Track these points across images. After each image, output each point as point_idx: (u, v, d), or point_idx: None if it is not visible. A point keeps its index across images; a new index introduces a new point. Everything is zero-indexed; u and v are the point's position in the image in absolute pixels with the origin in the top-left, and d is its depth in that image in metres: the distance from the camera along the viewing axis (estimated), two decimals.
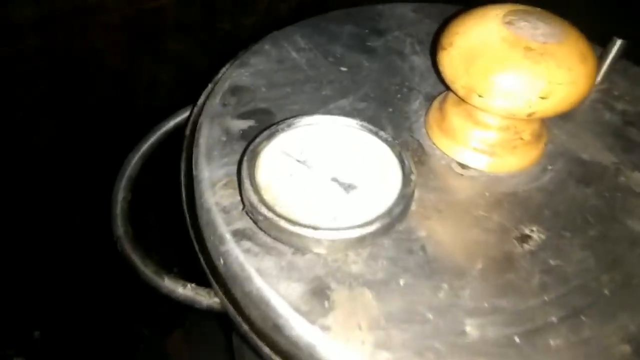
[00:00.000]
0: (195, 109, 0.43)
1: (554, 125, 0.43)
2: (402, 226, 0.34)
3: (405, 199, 0.31)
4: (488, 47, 0.34)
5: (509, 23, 0.35)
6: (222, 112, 0.41)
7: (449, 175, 0.39)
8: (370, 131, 0.35)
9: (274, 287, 0.30)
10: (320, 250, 0.31)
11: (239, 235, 0.33)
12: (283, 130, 0.34)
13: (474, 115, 0.38)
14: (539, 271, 0.33)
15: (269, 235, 0.31)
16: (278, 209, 0.30)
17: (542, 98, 0.34)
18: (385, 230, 0.31)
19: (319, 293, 0.30)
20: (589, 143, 0.42)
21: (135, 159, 0.47)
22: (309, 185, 0.32)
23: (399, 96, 0.45)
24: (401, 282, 0.31)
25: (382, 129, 0.40)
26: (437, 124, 0.40)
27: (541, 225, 0.36)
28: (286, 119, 0.36)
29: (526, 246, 0.34)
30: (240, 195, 0.33)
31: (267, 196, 0.31)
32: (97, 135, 0.98)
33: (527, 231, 0.35)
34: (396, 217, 0.31)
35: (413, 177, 0.32)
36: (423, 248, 0.33)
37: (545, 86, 0.33)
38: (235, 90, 0.43)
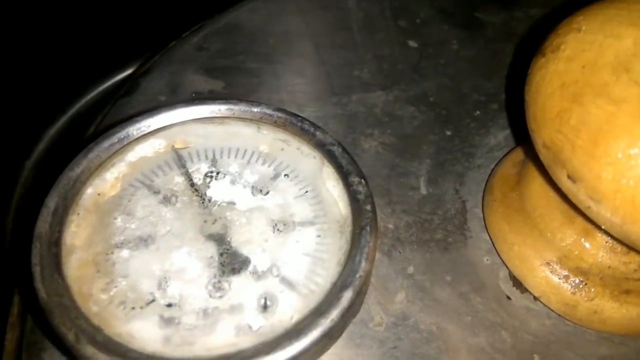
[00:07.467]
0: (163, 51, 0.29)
1: None
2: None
3: (342, 304, 0.15)
4: (622, 77, 0.14)
5: None
6: (190, 58, 0.27)
7: (489, 294, 0.20)
8: (320, 148, 0.17)
9: None
10: None
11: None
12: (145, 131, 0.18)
13: (565, 207, 0.19)
14: None
15: None
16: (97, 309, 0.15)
17: None
18: None
19: None
20: None
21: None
22: (164, 242, 0.17)
23: (478, 113, 0.26)
24: None
25: (421, 161, 0.23)
26: (502, 190, 0.21)
27: None
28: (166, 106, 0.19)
29: None
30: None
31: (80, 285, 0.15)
32: None
33: None
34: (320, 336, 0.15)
35: (363, 265, 0.14)
36: None
37: None
38: (230, 30, 0.28)
